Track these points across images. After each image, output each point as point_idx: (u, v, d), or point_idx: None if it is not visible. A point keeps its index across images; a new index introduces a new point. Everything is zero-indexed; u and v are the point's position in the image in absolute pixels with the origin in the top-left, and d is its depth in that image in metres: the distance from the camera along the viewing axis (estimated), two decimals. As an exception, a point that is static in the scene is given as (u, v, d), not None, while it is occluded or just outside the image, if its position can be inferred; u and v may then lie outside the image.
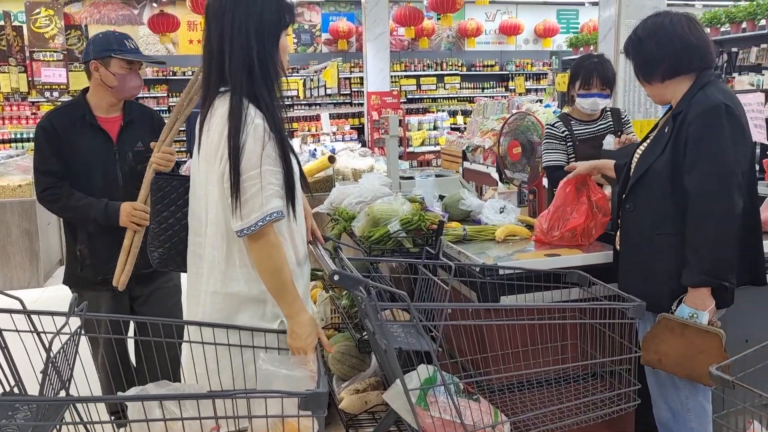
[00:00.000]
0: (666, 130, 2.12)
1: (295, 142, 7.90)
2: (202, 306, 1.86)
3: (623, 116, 3.42)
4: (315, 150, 6.93)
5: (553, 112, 6.19)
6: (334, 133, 9.09)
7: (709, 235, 1.98)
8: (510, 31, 14.74)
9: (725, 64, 7.88)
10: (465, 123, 11.46)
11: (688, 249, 2.02)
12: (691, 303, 2.01)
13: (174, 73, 13.33)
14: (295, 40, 14.50)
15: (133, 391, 1.53)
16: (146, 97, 12.91)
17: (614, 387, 1.91)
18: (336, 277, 1.57)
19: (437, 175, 3.87)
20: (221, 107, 1.77)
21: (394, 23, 12.60)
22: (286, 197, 1.78)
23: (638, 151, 2.27)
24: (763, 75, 7.29)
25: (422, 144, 9.85)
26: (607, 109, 3.38)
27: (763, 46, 7.36)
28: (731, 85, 7.61)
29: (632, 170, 2.24)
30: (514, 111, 6.42)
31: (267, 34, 1.78)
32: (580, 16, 15.59)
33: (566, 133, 3.33)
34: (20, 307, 1.52)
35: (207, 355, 1.77)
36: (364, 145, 8.98)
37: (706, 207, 1.98)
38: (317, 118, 9.84)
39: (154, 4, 12.41)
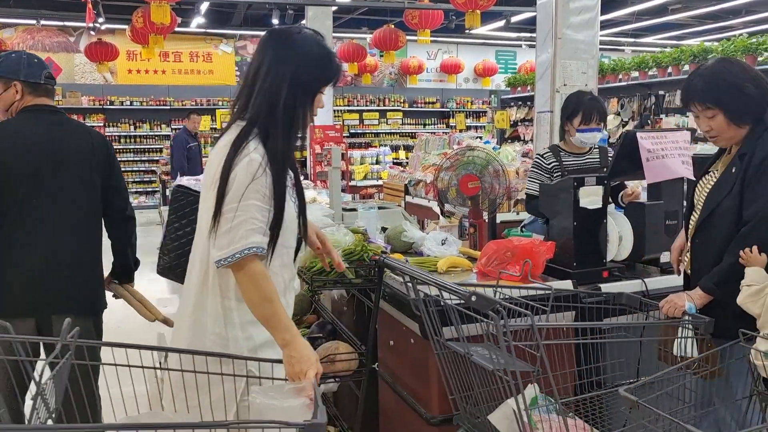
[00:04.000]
0: (733, 170, 2.17)
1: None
2: (179, 330, 1.85)
3: (610, 154, 3.55)
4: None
5: (493, 148, 6.34)
6: (276, 166, 9.01)
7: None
8: (451, 69, 15.13)
9: (653, 106, 8.29)
10: (407, 158, 11.60)
11: (720, 263, 2.11)
12: (698, 304, 2.12)
13: (111, 103, 13.02)
14: (238, 73, 14.45)
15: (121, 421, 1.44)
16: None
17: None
18: (474, 298, 1.59)
19: (380, 208, 3.87)
20: (230, 134, 1.76)
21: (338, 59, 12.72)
22: (270, 236, 1.73)
23: (700, 184, 2.32)
24: (688, 116, 7.70)
25: (365, 178, 9.88)
26: (596, 146, 3.49)
27: (687, 89, 7.78)
28: (659, 126, 8.00)
29: (696, 206, 2.30)
30: (455, 146, 6.53)
31: (301, 87, 1.78)
32: (517, 57, 16.18)
33: (554, 164, 3.42)
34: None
35: (187, 383, 1.71)
36: (306, 178, 8.94)
37: (754, 232, 2.04)
38: (259, 150, 9.73)
39: (92, 33, 12.14)
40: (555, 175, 3.39)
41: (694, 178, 2.73)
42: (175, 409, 1.74)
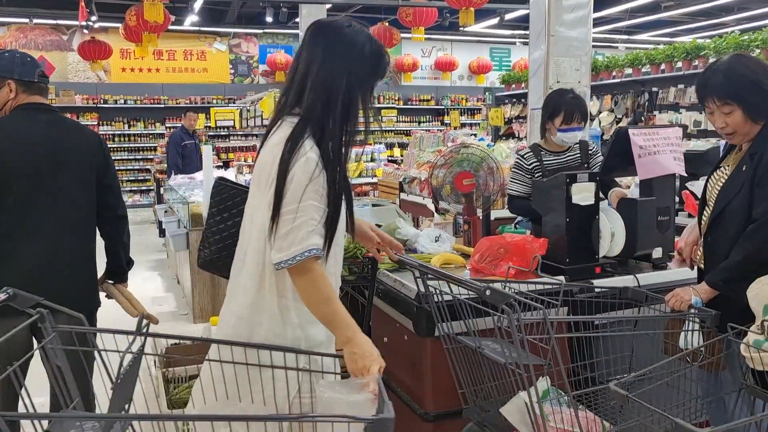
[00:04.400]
0: (744, 169, 2.19)
1: (231, 172, 7.78)
2: (226, 327, 1.82)
3: (590, 148, 3.54)
4: (250, 180, 6.84)
5: (487, 146, 6.34)
6: (270, 164, 9.00)
7: (749, 254, 2.07)
8: (445, 67, 15.12)
9: (646, 103, 8.31)
10: (402, 155, 11.60)
11: (727, 259, 2.13)
12: (704, 298, 2.15)
13: (105, 101, 12.98)
14: (232, 71, 14.42)
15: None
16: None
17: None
18: (488, 292, 1.63)
19: (374, 205, 3.89)
20: (283, 130, 1.73)
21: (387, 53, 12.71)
22: (325, 236, 1.71)
23: (711, 180, 2.34)
24: (681, 113, 7.73)
25: (359, 175, 9.88)
26: (576, 142, 3.49)
27: (680, 86, 7.81)
28: (652, 123, 8.03)
29: (708, 202, 2.32)
30: (450, 144, 6.54)
31: (355, 83, 1.75)
32: (512, 54, 16.20)
33: (535, 164, 3.41)
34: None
35: (242, 378, 1.71)
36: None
37: (761, 230, 2.06)
38: (254, 148, 9.74)
39: (85, 31, 12.10)
40: (536, 175, 3.38)
41: (686, 174, 2.76)
42: (240, 400, 1.73)
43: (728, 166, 2.29)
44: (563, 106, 3.28)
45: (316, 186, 1.66)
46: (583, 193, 2.50)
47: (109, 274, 2.73)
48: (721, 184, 2.26)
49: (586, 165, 3.43)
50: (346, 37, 1.76)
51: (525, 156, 3.47)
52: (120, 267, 2.72)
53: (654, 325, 2.22)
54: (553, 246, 2.53)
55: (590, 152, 3.51)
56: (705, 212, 2.33)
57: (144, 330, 1.50)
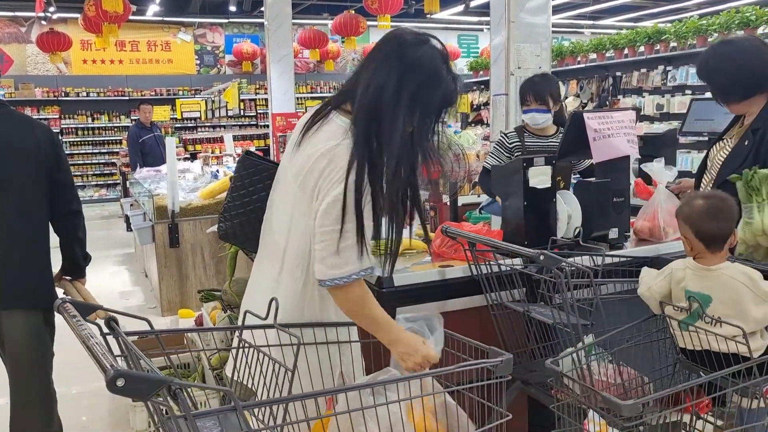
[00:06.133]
0: (746, 143, 2.29)
1: (197, 164, 7.71)
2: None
3: None
4: (217, 171, 6.80)
5: (455, 132, 6.38)
6: (238, 155, 8.95)
7: None
8: (413, 54, 15.10)
9: (611, 87, 8.43)
10: (371, 144, 11.58)
11: None
12: None
13: (67, 94, 12.71)
14: (198, 62, 14.23)
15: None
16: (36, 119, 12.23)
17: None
18: (542, 257, 1.82)
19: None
20: (334, 138, 1.71)
21: (299, 46, 12.63)
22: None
23: (714, 149, 2.43)
24: (644, 97, 7.86)
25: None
26: (562, 129, 3.51)
27: (643, 70, 7.93)
28: (617, 107, 8.14)
29: (710, 170, 2.42)
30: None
31: (418, 112, 1.75)
32: (479, 41, 16.26)
33: (516, 144, 3.50)
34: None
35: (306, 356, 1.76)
36: (269, 166, 8.87)
37: None
38: (221, 139, 9.64)
39: (43, 22, 11.82)
40: (515, 155, 3.47)
41: (639, 156, 2.82)
42: (303, 385, 1.74)
43: (731, 138, 2.41)
44: (522, 89, 3.43)
45: (368, 208, 1.69)
46: (540, 176, 2.53)
47: (66, 270, 2.67)
48: (724, 154, 2.38)
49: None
50: (423, 69, 1.75)
51: (508, 135, 3.59)
52: (76, 263, 2.66)
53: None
54: (512, 229, 2.57)
55: None
56: (705, 179, 2.47)
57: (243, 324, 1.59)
